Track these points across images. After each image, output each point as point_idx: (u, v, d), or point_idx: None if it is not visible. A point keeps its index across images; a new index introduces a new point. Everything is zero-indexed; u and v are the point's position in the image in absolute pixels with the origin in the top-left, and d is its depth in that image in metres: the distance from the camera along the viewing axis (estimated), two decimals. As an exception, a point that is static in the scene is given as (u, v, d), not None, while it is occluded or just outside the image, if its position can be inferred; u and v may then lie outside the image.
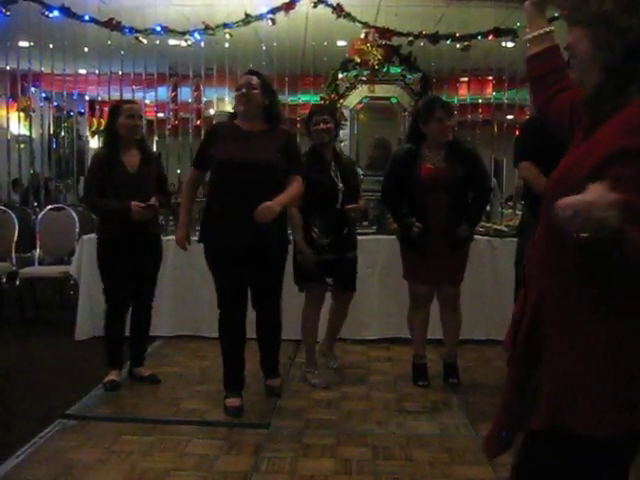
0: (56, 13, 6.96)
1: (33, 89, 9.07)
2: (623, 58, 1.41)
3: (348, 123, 6.74)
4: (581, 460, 1.45)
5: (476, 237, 4.85)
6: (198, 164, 3.99)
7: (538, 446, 1.50)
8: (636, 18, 1.39)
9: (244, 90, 3.81)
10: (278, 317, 4.15)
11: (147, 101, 8.49)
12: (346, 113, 6.73)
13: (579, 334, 1.43)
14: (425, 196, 4.16)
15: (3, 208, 6.93)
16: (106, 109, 5.60)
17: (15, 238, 6.50)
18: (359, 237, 5.27)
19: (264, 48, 8.07)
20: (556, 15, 6.47)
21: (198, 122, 8.47)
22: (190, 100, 8.48)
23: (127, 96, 7.41)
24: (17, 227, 6.54)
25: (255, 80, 3.84)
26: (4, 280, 6.33)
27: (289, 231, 4.16)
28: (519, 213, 5.81)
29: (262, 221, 3.55)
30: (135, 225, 4.10)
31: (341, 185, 4.30)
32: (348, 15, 6.91)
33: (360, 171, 6.60)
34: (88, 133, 10.49)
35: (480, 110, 8.35)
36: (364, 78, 6.86)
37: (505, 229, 5.63)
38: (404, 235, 4.32)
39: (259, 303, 4.03)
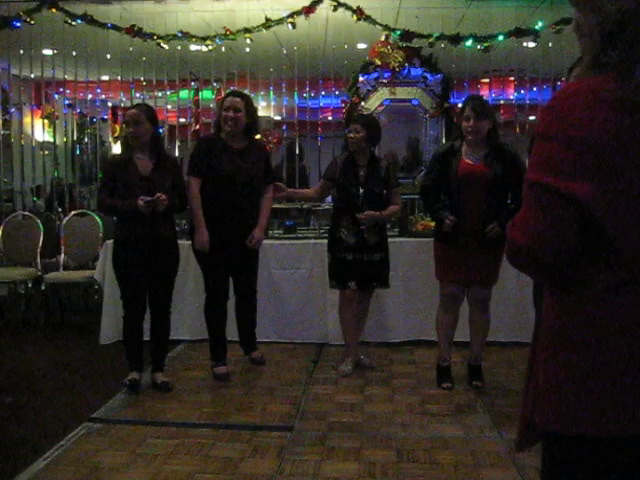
0: (79, 21, 7.05)
1: (57, 96, 9.18)
2: (601, 49, 1.32)
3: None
4: (565, 461, 1.39)
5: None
6: (199, 172, 4.44)
7: (544, 446, 1.47)
8: (616, 5, 1.29)
9: (231, 114, 4.37)
10: (255, 299, 4.82)
11: (169, 106, 8.55)
12: (368, 114, 6.73)
13: (549, 328, 1.40)
14: (461, 192, 4.16)
15: (28, 214, 7.02)
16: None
17: (40, 244, 6.59)
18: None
19: (284, 52, 8.10)
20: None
21: (220, 127, 8.50)
22: (212, 105, 8.52)
23: (149, 102, 7.47)
24: (42, 233, 6.63)
25: (240, 102, 4.42)
26: (30, 285, 6.41)
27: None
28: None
29: (258, 246, 4.63)
30: (149, 228, 4.15)
31: (362, 191, 4.54)
32: (368, 18, 6.90)
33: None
34: (111, 139, 10.58)
35: (502, 111, 8.29)
36: (385, 80, 6.86)
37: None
38: (438, 230, 4.34)
39: (241, 289, 4.72)
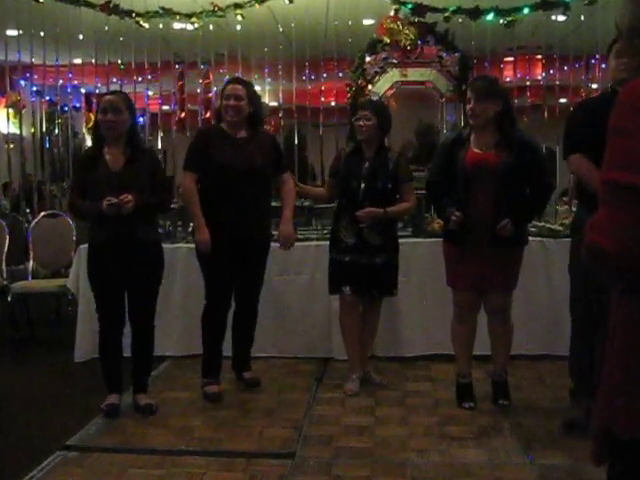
0: (47, -4, 7.09)
1: (23, 82, 9.20)
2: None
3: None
4: (629, 467, 1.43)
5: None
6: (196, 167, 4.54)
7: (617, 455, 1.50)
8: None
9: (232, 102, 4.48)
10: (256, 311, 4.83)
11: (150, 92, 8.57)
12: (376, 99, 6.74)
13: (616, 327, 1.45)
14: (469, 185, 4.16)
15: (-9, 216, 7.04)
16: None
17: (5, 249, 6.59)
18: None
19: (281, 30, 8.13)
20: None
21: (208, 115, 8.53)
22: (199, 90, 8.54)
23: (127, 88, 7.49)
24: (8, 236, 6.63)
25: (242, 90, 4.53)
26: (-6, 296, 6.43)
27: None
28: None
29: (289, 247, 4.74)
30: (126, 230, 4.15)
31: (363, 186, 4.58)
32: (375, -11, 6.93)
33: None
34: (85, 130, 10.58)
35: (528, 93, 8.30)
36: (395, 61, 6.87)
37: (560, 228, 5.59)
38: (445, 229, 4.37)
39: (243, 297, 4.73)
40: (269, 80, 8.74)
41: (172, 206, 5.35)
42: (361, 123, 4.62)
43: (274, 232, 4.78)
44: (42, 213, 6.96)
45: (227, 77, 7.51)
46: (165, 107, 8.90)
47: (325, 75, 8.63)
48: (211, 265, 4.54)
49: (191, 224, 5.35)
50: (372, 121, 4.61)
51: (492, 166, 4.11)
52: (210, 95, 8.71)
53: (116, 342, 4.36)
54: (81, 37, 7.72)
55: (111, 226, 4.14)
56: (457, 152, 4.22)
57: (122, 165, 4.22)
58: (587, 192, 3.70)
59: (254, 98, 4.64)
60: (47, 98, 9.16)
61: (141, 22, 7.40)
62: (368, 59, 6.92)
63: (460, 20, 7.12)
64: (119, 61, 8.02)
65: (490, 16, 7.10)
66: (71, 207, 4.53)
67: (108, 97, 4.31)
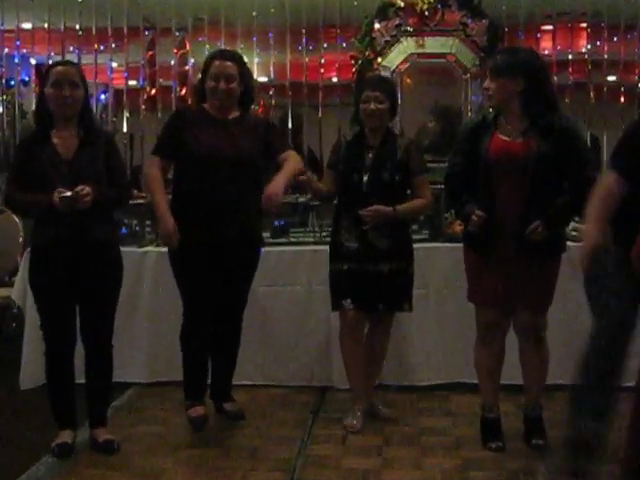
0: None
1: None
2: None
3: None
4: None
5: (567, 244, 4.82)
6: (165, 152, 4.58)
7: None
8: None
9: (223, 85, 4.44)
10: (240, 329, 4.85)
11: (114, 64, 8.57)
12: (386, 76, 6.75)
13: None
14: (492, 179, 4.17)
15: None
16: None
17: (-62, 252, 6.59)
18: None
19: (273, -10, 8.13)
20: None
21: (183, 92, 8.53)
22: (173, 62, 8.53)
23: (87, 59, 7.49)
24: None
25: (233, 68, 4.47)
26: None
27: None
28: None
29: (274, 210, 4.65)
30: (77, 229, 4.13)
31: (366, 179, 4.59)
32: (386, -58, 6.93)
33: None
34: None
35: (570, 69, 8.30)
36: (410, 29, 6.87)
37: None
38: (465, 232, 4.39)
39: (223, 313, 4.70)
40: (258, 51, 8.72)
41: (140, 201, 5.38)
42: (372, 106, 4.59)
43: (265, 234, 4.76)
44: (-18, 209, 6.95)
45: (207, 47, 7.55)
46: (132, 82, 8.87)
47: (325, 45, 8.61)
48: (188, 274, 4.52)
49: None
50: (385, 104, 4.60)
51: (520, 156, 4.10)
52: (187, 68, 8.67)
53: (66, 366, 4.35)
54: (32, -3, 7.72)
55: (60, 223, 4.11)
56: (481, 139, 4.23)
57: (75, 150, 4.21)
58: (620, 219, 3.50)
59: (245, 75, 4.60)
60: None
61: (104, -21, 7.41)
62: (377, 26, 6.91)
63: (489, -20, 7.14)
64: (77, 26, 8.01)
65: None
66: (9, 200, 4.43)
67: (61, 68, 4.28)
